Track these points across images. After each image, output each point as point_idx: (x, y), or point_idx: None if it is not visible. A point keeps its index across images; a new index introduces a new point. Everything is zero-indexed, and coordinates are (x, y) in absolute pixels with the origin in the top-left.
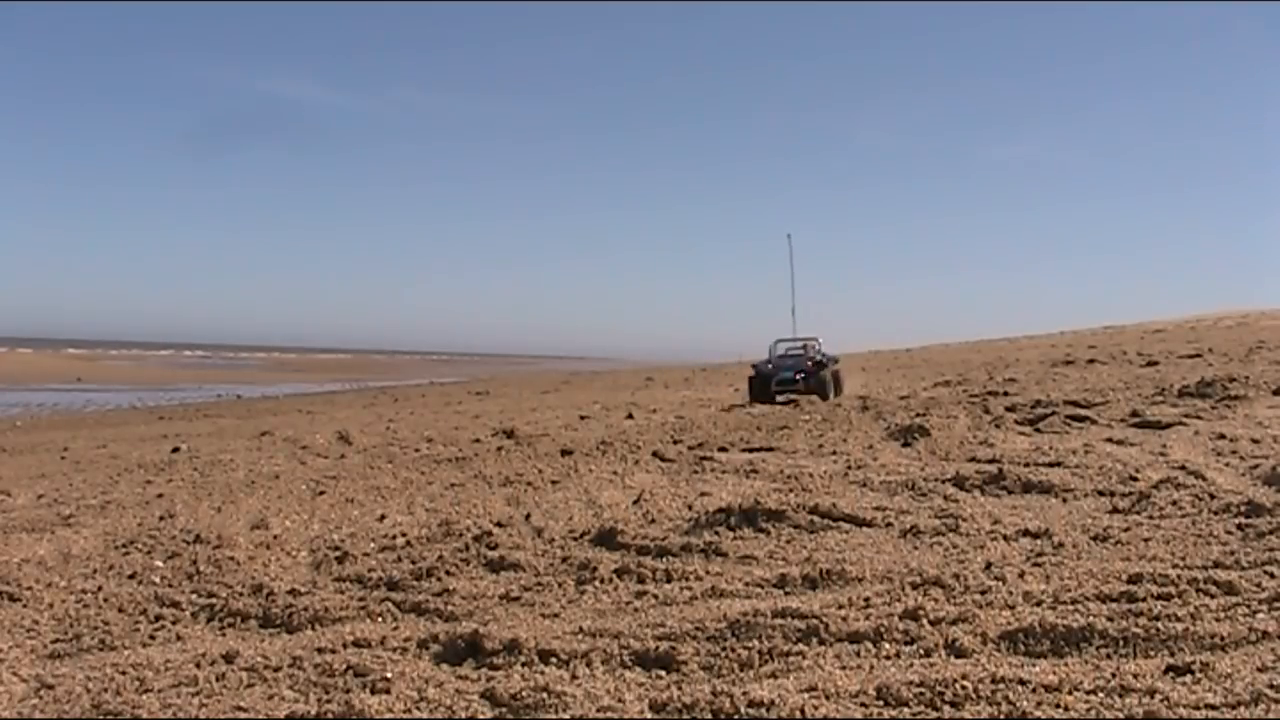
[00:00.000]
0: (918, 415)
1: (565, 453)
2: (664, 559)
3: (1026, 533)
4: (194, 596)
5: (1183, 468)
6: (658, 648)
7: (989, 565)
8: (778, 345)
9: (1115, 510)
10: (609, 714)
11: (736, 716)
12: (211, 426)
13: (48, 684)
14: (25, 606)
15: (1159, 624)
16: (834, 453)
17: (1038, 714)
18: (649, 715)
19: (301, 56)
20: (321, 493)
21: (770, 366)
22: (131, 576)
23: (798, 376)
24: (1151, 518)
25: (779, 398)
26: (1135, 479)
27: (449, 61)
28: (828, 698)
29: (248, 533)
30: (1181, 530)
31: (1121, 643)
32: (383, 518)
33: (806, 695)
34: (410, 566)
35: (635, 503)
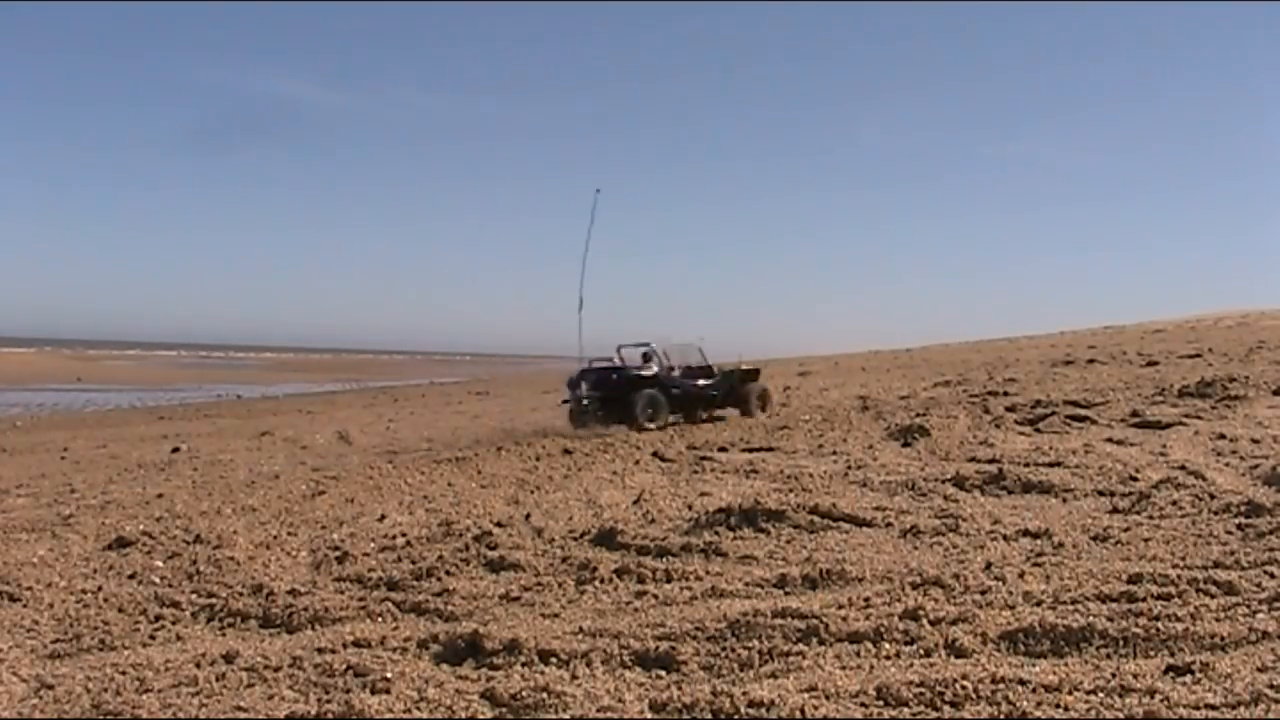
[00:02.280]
0: (918, 415)
1: (565, 453)
2: (664, 559)
3: (1026, 533)
4: (194, 596)
5: (1183, 468)
6: (658, 648)
7: (989, 565)
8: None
9: (1115, 510)
10: (609, 714)
11: (736, 716)
12: (211, 426)
13: (48, 684)
14: (25, 606)
15: (1159, 624)
16: (834, 453)
17: (1038, 714)
18: (649, 715)
19: (301, 56)
20: (321, 492)
21: None
22: (131, 576)
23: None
24: (1151, 518)
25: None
26: (1135, 479)
27: (449, 61)
28: (828, 698)
29: (247, 533)
30: (1181, 530)
31: (1121, 643)
32: (383, 518)
33: (806, 695)
34: (410, 566)
35: (635, 503)
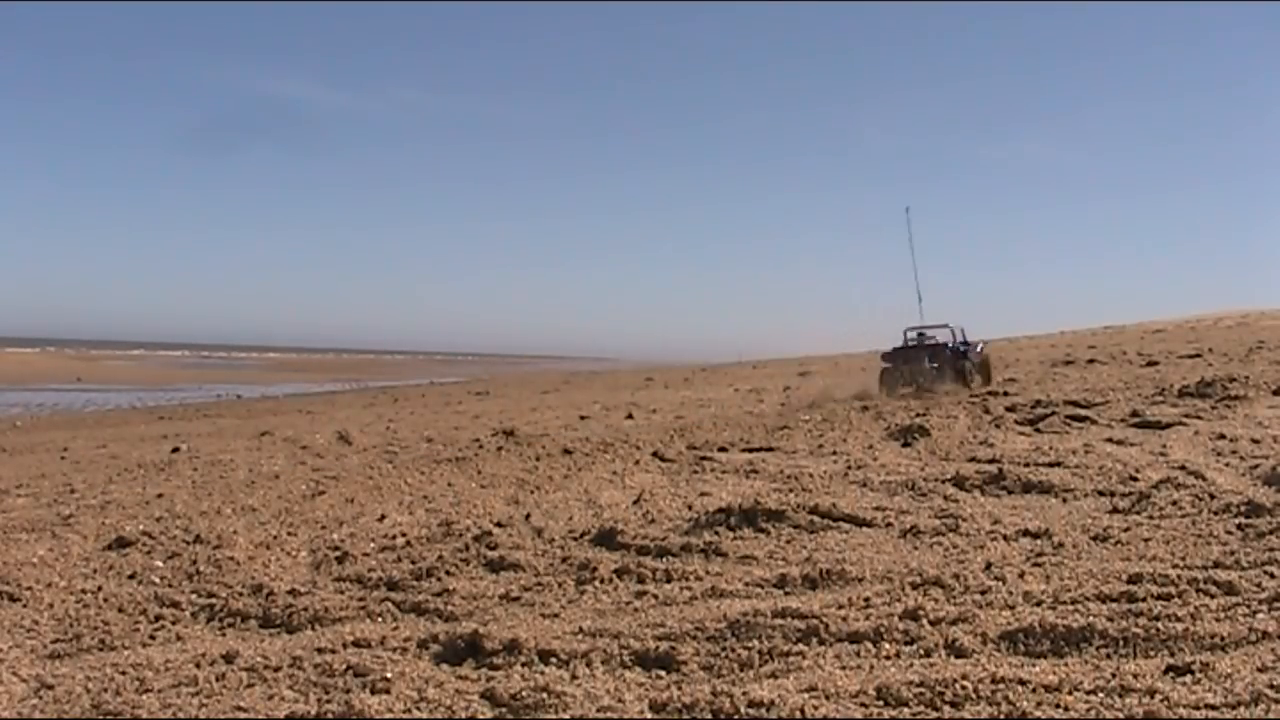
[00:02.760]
0: (918, 415)
1: (565, 453)
2: (664, 559)
3: (1026, 533)
4: (194, 596)
5: (1183, 468)
6: (658, 648)
7: (989, 565)
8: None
9: (1115, 510)
10: (609, 714)
11: (736, 716)
12: (211, 426)
13: (48, 684)
14: (25, 606)
15: (1159, 624)
16: (834, 453)
17: (1038, 714)
18: (649, 715)
19: (301, 56)
20: (321, 493)
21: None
22: (131, 576)
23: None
24: (1151, 518)
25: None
26: (1135, 479)
27: (449, 61)
28: (828, 698)
29: (247, 533)
30: (1181, 530)
31: (1121, 643)
32: (383, 518)
33: (806, 695)
34: (410, 566)
35: (635, 503)
